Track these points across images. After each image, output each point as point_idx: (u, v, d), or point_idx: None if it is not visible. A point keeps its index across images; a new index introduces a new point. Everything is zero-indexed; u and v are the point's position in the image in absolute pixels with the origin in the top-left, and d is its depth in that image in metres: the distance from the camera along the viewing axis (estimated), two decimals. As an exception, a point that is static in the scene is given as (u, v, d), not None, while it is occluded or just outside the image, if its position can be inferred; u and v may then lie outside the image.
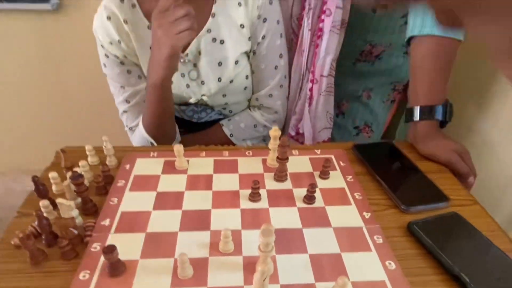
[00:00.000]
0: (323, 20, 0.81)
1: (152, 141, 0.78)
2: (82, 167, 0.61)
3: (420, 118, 0.69)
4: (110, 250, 0.43)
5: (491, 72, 0.88)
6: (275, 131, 0.63)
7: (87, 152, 0.66)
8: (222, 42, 0.79)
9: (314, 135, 0.93)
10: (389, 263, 0.48)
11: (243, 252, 0.49)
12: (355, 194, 0.60)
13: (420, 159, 0.69)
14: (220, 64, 0.80)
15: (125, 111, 0.85)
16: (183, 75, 0.82)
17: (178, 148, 0.63)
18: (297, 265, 0.48)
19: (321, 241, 0.51)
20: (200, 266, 0.47)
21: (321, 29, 0.82)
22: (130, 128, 0.86)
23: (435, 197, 0.60)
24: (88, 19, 1.59)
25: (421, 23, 0.68)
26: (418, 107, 0.69)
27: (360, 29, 0.90)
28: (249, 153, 0.69)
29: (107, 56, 0.80)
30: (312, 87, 0.87)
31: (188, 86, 0.83)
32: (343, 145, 0.73)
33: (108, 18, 0.76)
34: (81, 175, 0.53)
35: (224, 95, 0.86)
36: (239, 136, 0.90)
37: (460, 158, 0.66)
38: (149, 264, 0.47)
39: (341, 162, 0.67)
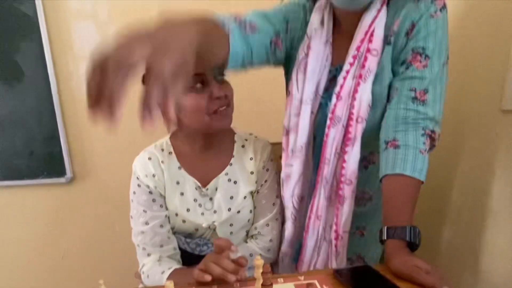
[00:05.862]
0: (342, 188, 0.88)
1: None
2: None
3: (387, 237, 0.76)
4: None
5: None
6: (257, 260, 0.69)
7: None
8: (235, 182, 1.02)
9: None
10: None
11: None
12: (338, 314, 0.62)
13: (399, 281, 0.72)
14: (231, 197, 1.01)
15: (142, 232, 0.98)
16: (200, 205, 1.00)
17: (168, 285, 0.68)
18: None
19: None
20: None
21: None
22: (144, 249, 0.98)
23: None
24: (96, 189, 1.81)
25: (392, 164, 0.80)
26: (386, 227, 0.76)
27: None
28: (236, 284, 0.73)
29: (139, 185, 0.98)
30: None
31: (202, 214, 1.00)
32: (324, 271, 0.77)
33: (149, 158, 1.00)
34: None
35: (231, 224, 1.01)
36: None
37: (421, 271, 0.68)
38: None
39: (324, 286, 0.71)
